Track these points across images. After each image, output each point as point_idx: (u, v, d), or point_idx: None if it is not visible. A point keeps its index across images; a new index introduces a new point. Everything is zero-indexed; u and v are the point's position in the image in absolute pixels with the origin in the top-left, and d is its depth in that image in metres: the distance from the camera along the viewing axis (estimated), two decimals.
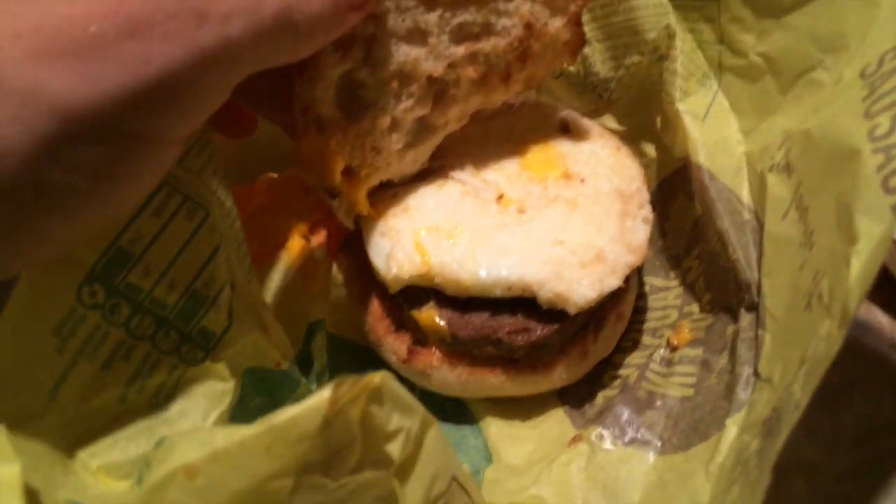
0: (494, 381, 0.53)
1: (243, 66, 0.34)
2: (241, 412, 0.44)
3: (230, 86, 0.34)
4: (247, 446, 0.29)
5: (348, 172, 0.47)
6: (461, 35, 0.47)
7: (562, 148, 0.55)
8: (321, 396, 0.29)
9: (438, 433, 0.36)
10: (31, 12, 0.28)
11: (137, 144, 0.32)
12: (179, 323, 0.41)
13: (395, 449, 0.33)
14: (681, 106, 0.54)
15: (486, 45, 0.47)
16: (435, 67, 0.46)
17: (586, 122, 0.57)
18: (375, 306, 0.55)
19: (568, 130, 0.56)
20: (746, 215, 0.50)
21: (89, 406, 0.38)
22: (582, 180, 0.53)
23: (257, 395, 0.47)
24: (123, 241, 0.39)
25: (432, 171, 0.53)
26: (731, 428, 0.44)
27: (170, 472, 0.30)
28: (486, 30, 0.47)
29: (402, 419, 0.33)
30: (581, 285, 0.48)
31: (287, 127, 0.46)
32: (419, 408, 0.34)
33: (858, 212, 0.37)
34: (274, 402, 0.48)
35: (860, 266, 0.36)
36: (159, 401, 0.41)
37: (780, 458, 0.34)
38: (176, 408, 0.41)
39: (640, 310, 0.58)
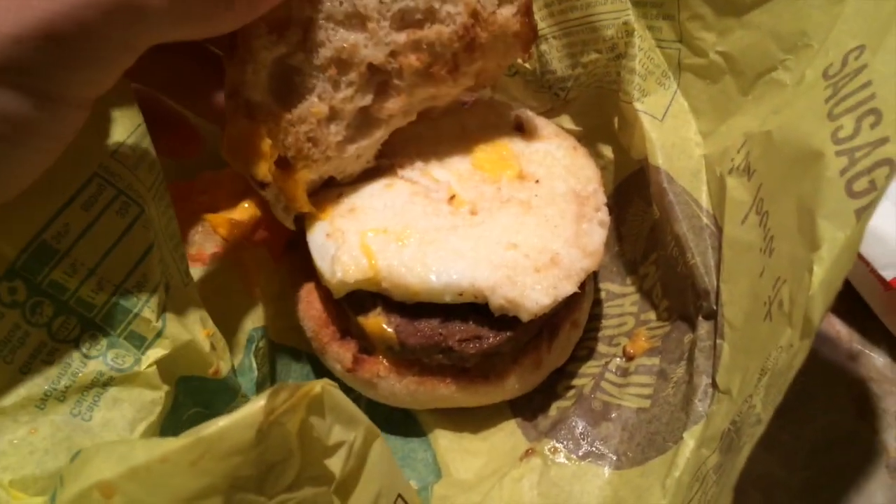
0: (444, 392, 0.50)
1: (151, 26, 0.32)
2: (173, 423, 0.41)
3: (136, 46, 0.32)
4: (170, 461, 0.26)
5: (283, 164, 0.45)
6: (403, 21, 0.45)
7: (516, 147, 0.53)
8: (255, 406, 0.27)
9: (383, 447, 0.34)
10: None
11: (40, 101, 0.30)
12: (107, 325, 0.38)
13: (336, 464, 0.31)
14: (639, 106, 0.52)
15: (429, 33, 0.45)
16: (375, 55, 0.44)
17: (542, 122, 0.55)
18: (319, 312, 0.53)
19: (522, 130, 0.54)
20: (705, 220, 0.49)
21: (3, 413, 0.35)
22: (537, 181, 0.51)
23: (192, 405, 0.44)
24: (48, 235, 0.36)
25: (380, 169, 0.51)
26: (689, 441, 0.43)
27: (83, 490, 0.27)
28: (430, 16, 0.45)
29: (344, 432, 0.31)
30: (534, 291, 0.46)
31: (207, 116, 0.44)
32: (363, 419, 0.32)
33: (821, 216, 0.35)
34: (210, 412, 0.45)
35: (823, 273, 0.34)
36: (82, 409, 0.37)
37: None
38: (99, 417, 0.38)
39: (595, 317, 0.57)
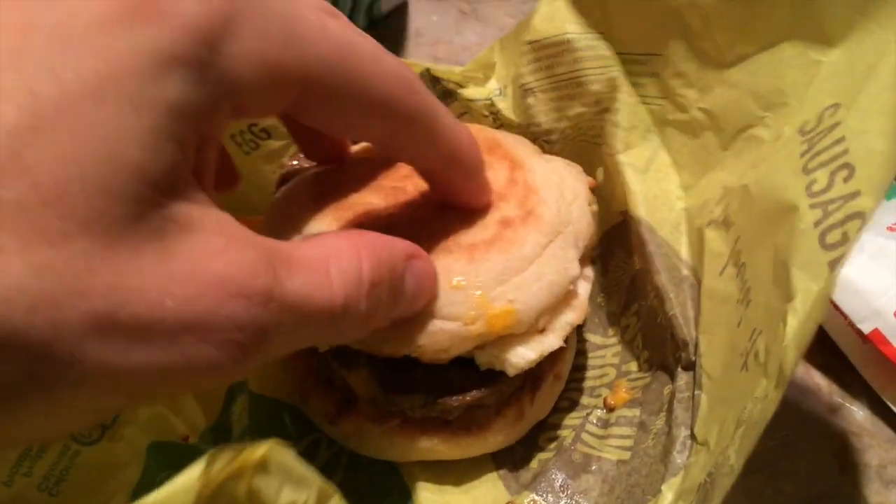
0: (427, 444, 0.50)
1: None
2: (146, 486, 0.40)
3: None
4: None
5: None
6: None
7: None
8: (192, 473, 0.26)
9: None
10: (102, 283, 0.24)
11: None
12: None
13: None
14: (622, 158, 0.53)
15: None
16: None
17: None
18: (301, 363, 0.52)
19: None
20: (685, 271, 0.49)
21: None
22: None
23: (165, 469, 0.43)
24: None
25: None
26: (667, 493, 0.42)
27: None
28: None
29: (294, 493, 0.30)
30: (521, 345, 0.45)
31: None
32: (314, 479, 0.31)
33: (795, 267, 0.36)
34: None
35: (797, 324, 0.34)
36: (49, 485, 0.37)
37: None
38: (69, 493, 0.37)
39: (578, 368, 0.56)
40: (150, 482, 0.41)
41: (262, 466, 0.28)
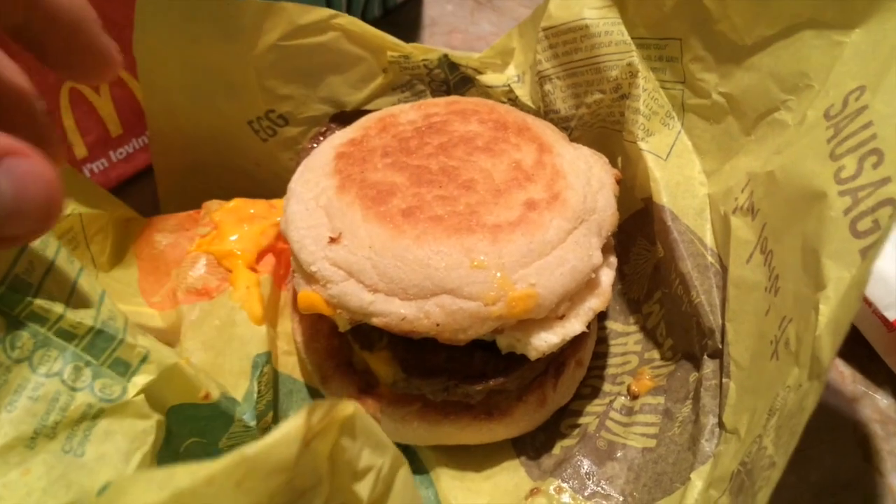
0: (448, 429, 0.50)
1: None
2: (169, 455, 0.41)
3: None
4: (216, 484, 0.25)
5: None
6: None
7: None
8: (295, 423, 0.26)
9: (408, 475, 0.33)
10: None
11: None
12: (90, 355, 0.37)
13: (364, 489, 0.30)
14: (643, 145, 0.53)
15: None
16: None
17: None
18: (323, 344, 0.53)
19: None
20: (710, 258, 0.49)
21: None
22: None
23: (188, 436, 0.43)
24: (19, 269, 0.35)
25: None
26: (697, 482, 0.42)
27: None
28: None
29: (373, 456, 0.30)
30: (543, 329, 0.45)
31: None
32: (391, 445, 0.31)
33: (826, 256, 0.36)
34: (207, 441, 0.44)
35: (830, 312, 0.34)
36: (73, 445, 0.36)
37: None
38: (92, 451, 0.36)
39: (598, 355, 0.56)
40: (173, 448, 0.42)
41: (349, 427, 0.28)
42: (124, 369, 0.39)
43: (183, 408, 0.42)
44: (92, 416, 0.37)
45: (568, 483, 0.48)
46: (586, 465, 0.49)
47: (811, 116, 0.43)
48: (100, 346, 0.38)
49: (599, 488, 0.47)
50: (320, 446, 0.27)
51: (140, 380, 0.39)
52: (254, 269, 0.54)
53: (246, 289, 0.53)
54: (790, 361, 0.36)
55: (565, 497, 0.47)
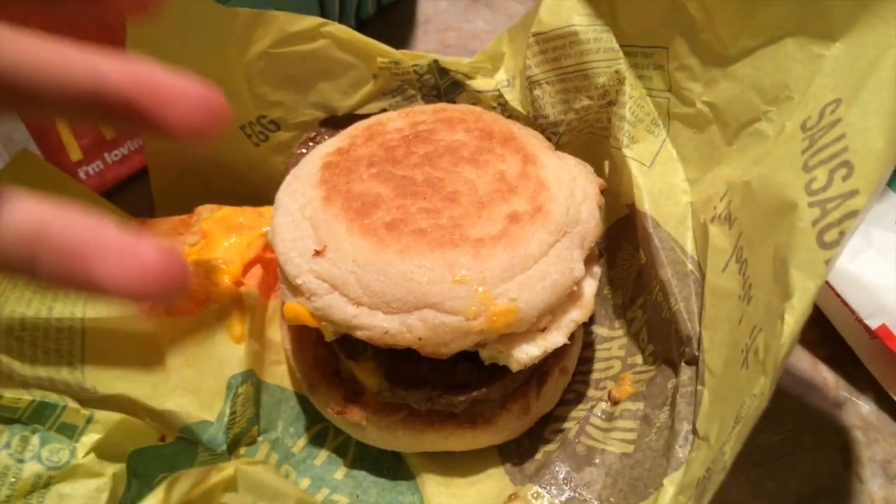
0: (433, 437, 0.51)
1: None
2: (142, 495, 0.41)
3: None
4: None
5: None
6: None
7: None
8: (154, 499, 0.26)
9: None
10: None
11: None
12: (36, 422, 0.38)
13: None
14: (628, 152, 0.53)
15: None
16: None
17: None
18: (310, 353, 0.53)
19: None
20: (689, 266, 0.49)
21: None
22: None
23: (158, 472, 0.43)
24: None
25: None
26: (669, 488, 0.43)
27: None
28: None
29: None
30: (525, 342, 0.46)
31: None
32: (292, 493, 0.31)
33: (793, 266, 0.36)
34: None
35: (794, 322, 0.34)
36: None
37: None
38: None
39: (584, 360, 0.57)
40: (148, 485, 0.42)
41: (231, 486, 0.28)
42: (71, 432, 0.39)
43: (144, 451, 0.43)
44: (42, 485, 0.38)
45: (545, 489, 0.48)
46: (564, 470, 0.49)
47: (789, 128, 0.43)
48: (45, 413, 0.39)
49: (576, 493, 0.48)
50: None
51: (88, 439, 0.40)
52: (240, 283, 0.54)
53: (228, 307, 0.53)
54: (758, 370, 0.36)
55: (543, 502, 0.48)
